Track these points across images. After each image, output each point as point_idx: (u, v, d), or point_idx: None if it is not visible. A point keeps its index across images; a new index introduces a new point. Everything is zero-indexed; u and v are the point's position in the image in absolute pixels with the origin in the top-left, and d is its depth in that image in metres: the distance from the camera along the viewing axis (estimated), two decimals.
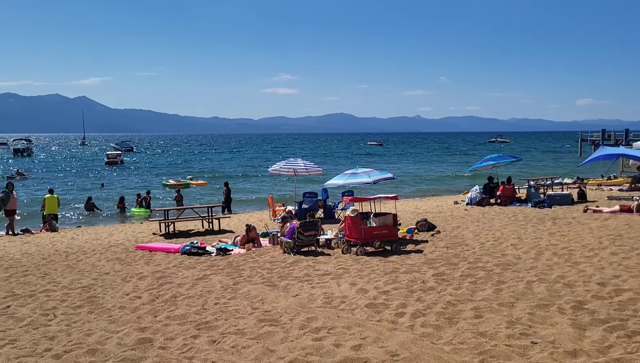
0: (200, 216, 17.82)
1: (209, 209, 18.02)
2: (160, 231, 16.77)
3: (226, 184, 23.57)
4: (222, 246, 13.22)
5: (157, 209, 20.28)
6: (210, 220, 17.50)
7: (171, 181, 39.46)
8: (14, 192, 18.85)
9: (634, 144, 31.47)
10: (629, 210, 16.24)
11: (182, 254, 12.66)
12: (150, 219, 19.65)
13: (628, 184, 24.35)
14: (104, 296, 8.87)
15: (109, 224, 21.58)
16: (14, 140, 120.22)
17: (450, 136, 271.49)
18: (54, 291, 9.36)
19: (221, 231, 16.74)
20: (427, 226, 14.93)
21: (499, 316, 6.82)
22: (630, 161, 28.02)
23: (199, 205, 21.67)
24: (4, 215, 18.81)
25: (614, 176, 28.95)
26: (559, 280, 8.53)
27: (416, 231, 14.61)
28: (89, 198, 26.66)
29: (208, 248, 13.16)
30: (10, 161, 77.05)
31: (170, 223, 16.72)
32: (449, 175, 46.03)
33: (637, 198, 16.99)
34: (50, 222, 19.16)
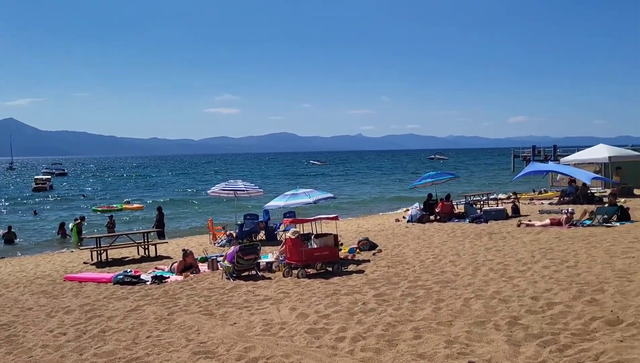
0: (135, 243, 17.22)
1: (145, 234, 17.44)
2: (92, 259, 16.08)
3: (159, 209, 22.94)
4: (158, 274, 12.81)
5: (88, 236, 19.46)
6: (146, 246, 16.94)
7: (102, 206, 38.09)
8: None
9: (562, 159, 32.93)
10: (558, 223, 16.87)
11: (114, 284, 12.14)
12: (81, 248, 18.79)
13: (557, 198, 25.38)
14: (25, 335, 8.32)
15: (36, 253, 20.49)
16: None
17: (392, 153, 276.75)
18: None
19: (158, 258, 16.24)
20: (368, 245, 14.97)
21: (437, 336, 6.83)
22: (559, 175, 29.26)
23: (134, 231, 20.97)
24: None
25: (544, 190, 30.14)
26: (494, 295, 8.67)
27: (358, 250, 14.63)
28: (9, 227, 25.28)
29: (143, 276, 12.69)
30: None
31: (102, 251, 16.06)
32: (390, 193, 46.65)
33: (566, 211, 17.68)
34: None
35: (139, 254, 16.90)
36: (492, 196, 27.02)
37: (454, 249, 13.90)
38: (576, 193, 24.18)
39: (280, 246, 14.48)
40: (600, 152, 29.74)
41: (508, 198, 27.74)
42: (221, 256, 14.14)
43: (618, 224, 16.50)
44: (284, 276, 11.93)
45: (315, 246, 12.33)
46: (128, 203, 41.12)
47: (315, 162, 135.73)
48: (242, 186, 20.51)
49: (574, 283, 9.08)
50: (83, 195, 47.54)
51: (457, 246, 14.42)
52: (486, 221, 19.34)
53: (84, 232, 23.77)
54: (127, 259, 16.28)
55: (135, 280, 12.24)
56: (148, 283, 12.14)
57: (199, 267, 13.50)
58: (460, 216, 20.94)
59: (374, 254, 14.09)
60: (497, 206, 23.43)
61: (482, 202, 24.57)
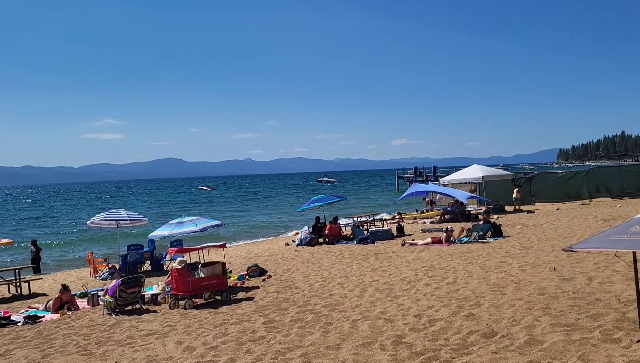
0: (5, 280, 15.78)
1: (16, 271, 16.05)
2: None
3: (34, 242, 21.30)
4: (31, 313, 11.85)
5: None
6: (18, 284, 15.60)
7: None
8: None
9: (441, 179, 34.95)
10: (439, 241, 17.79)
11: None
12: None
13: (439, 217, 26.83)
14: None
15: None
16: None
17: (281, 177, 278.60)
18: None
19: (32, 296, 15.02)
20: (258, 271, 14.88)
21: (326, 361, 6.88)
22: (438, 195, 30.98)
23: (4, 267, 19.24)
24: None
25: (426, 209, 31.76)
26: (380, 315, 8.91)
27: (247, 277, 14.49)
28: None
29: (13, 317, 11.67)
30: None
31: None
32: (280, 217, 46.78)
33: (444, 229, 18.70)
34: None
35: (9, 292, 15.54)
36: (378, 217, 27.99)
37: (342, 271, 14.17)
38: (455, 212, 25.71)
39: (166, 277, 13.98)
40: (475, 172, 31.93)
41: (393, 218, 28.92)
42: (102, 290, 13.36)
43: (492, 240, 17.71)
44: (170, 308, 11.52)
45: (202, 275, 12.04)
46: None
47: (204, 187, 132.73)
48: (125, 215, 19.61)
49: (453, 299, 9.57)
50: None
51: (345, 268, 14.72)
52: (373, 242, 19.95)
53: None
54: None
55: (5, 322, 11.23)
56: (20, 324, 11.19)
57: (78, 303, 12.66)
58: (348, 238, 21.45)
59: (263, 280, 14.01)
60: (383, 226, 24.29)
61: (368, 223, 25.36)
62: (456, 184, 31.88)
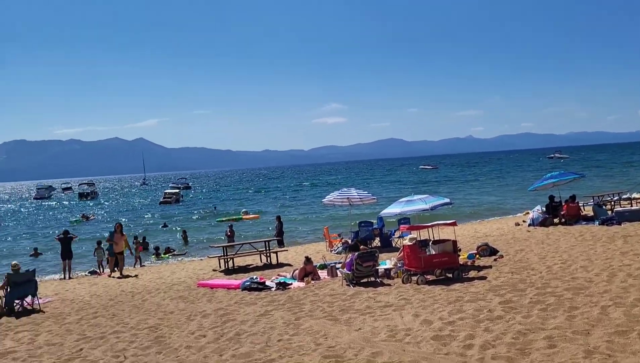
0: (257, 251, 18.01)
1: (266, 243, 18.19)
2: (220, 267, 17.05)
3: (278, 218, 23.83)
4: (281, 280, 13.29)
5: (215, 245, 20.64)
6: (268, 254, 17.66)
7: (224, 218, 40.56)
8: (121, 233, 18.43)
9: None
10: None
11: (242, 290, 12.79)
12: (209, 256, 19.97)
13: None
14: (171, 336, 9.05)
15: (170, 262, 22.11)
16: (79, 184, 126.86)
17: (506, 154, 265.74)
18: (122, 333, 9.62)
19: (279, 265, 16.86)
20: (488, 250, 14.55)
21: (574, 346, 6.51)
22: None
23: (256, 239, 21.90)
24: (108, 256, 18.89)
25: None
26: (636, 303, 8.08)
27: (477, 256, 14.26)
28: (144, 238, 27.38)
29: (267, 282, 13.24)
30: (76, 204, 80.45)
31: (229, 259, 16.97)
32: (507, 195, 44.81)
33: None
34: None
35: (261, 262, 17.65)
36: (624, 196, 25.07)
37: (585, 254, 13.10)
38: None
39: (398, 253, 14.48)
40: None
41: None
42: (339, 263, 14.40)
43: None
44: (403, 282, 11.91)
45: (433, 252, 12.20)
46: (246, 213, 43.11)
47: (426, 167, 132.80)
48: (356, 194, 20.77)
49: None
50: (215, 207, 53.11)
51: (587, 250, 13.59)
52: (619, 223, 18.00)
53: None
54: (251, 266, 17.06)
55: (261, 287, 12.79)
56: (273, 289, 12.64)
57: (319, 274, 13.84)
58: (589, 219, 19.66)
59: (495, 260, 13.67)
60: (631, 206, 21.71)
61: (612, 202, 22.90)
62: None
